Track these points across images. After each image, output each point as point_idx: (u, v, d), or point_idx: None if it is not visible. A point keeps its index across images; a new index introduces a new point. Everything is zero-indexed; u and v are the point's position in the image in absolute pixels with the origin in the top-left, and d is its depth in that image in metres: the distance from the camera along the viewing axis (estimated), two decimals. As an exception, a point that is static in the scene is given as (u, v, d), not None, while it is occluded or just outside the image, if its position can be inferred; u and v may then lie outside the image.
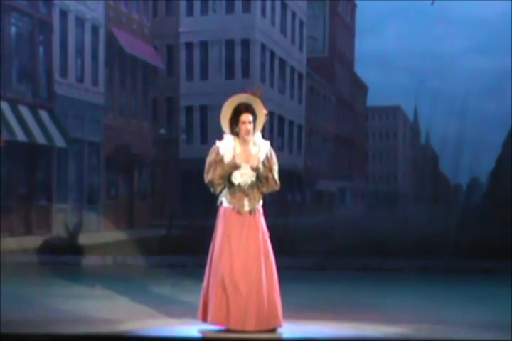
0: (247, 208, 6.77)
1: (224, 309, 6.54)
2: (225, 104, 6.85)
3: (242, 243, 6.66)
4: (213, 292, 6.59)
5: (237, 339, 6.44)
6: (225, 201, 6.83)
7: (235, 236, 6.67)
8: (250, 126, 6.81)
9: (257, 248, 6.67)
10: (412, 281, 11.58)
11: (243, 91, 6.90)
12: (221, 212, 6.82)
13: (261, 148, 6.86)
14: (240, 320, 6.52)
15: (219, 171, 6.74)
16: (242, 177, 6.81)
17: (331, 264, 13.52)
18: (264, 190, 6.85)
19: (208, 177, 6.79)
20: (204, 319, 6.73)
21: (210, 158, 6.83)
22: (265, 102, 6.97)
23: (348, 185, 35.47)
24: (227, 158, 6.77)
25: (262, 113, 6.88)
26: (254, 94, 6.88)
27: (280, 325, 6.71)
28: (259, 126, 6.90)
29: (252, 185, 6.83)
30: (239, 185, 6.80)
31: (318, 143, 33.66)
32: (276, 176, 6.87)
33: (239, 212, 6.74)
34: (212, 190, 6.85)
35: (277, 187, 6.88)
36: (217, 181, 6.76)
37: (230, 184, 6.80)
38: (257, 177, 6.83)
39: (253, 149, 6.84)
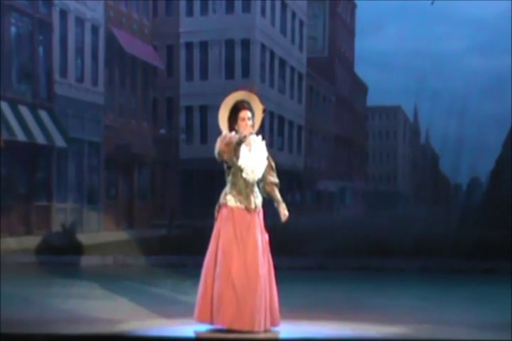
0: (253, 205, 6.77)
1: (231, 310, 6.50)
2: (222, 103, 6.82)
3: (245, 243, 6.64)
4: (221, 293, 6.54)
5: (236, 340, 6.43)
6: (231, 200, 6.78)
7: (238, 236, 6.65)
8: (250, 123, 6.79)
9: (257, 248, 6.66)
10: (412, 281, 11.57)
11: (238, 89, 6.89)
12: (224, 211, 6.77)
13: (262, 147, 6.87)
14: (243, 320, 6.50)
15: (227, 141, 6.63)
16: (254, 172, 6.78)
17: (331, 264, 13.52)
18: (268, 188, 6.86)
19: (216, 151, 6.67)
20: (208, 320, 6.65)
21: (222, 142, 6.68)
22: (265, 102, 6.96)
23: (348, 185, 35.46)
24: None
25: (260, 109, 6.87)
26: (250, 90, 6.88)
27: (278, 324, 6.70)
28: (257, 122, 6.89)
29: (254, 183, 6.85)
30: (246, 181, 6.78)
31: (318, 143, 33.64)
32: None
33: (247, 209, 6.72)
34: (218, 158, 6.73)
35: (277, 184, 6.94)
36: (223, 149, 6.64)
37: (236, 180, 6.78)
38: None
39: (259, 148, 6.83)
